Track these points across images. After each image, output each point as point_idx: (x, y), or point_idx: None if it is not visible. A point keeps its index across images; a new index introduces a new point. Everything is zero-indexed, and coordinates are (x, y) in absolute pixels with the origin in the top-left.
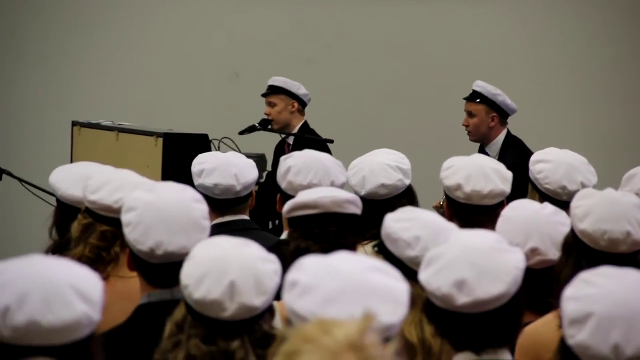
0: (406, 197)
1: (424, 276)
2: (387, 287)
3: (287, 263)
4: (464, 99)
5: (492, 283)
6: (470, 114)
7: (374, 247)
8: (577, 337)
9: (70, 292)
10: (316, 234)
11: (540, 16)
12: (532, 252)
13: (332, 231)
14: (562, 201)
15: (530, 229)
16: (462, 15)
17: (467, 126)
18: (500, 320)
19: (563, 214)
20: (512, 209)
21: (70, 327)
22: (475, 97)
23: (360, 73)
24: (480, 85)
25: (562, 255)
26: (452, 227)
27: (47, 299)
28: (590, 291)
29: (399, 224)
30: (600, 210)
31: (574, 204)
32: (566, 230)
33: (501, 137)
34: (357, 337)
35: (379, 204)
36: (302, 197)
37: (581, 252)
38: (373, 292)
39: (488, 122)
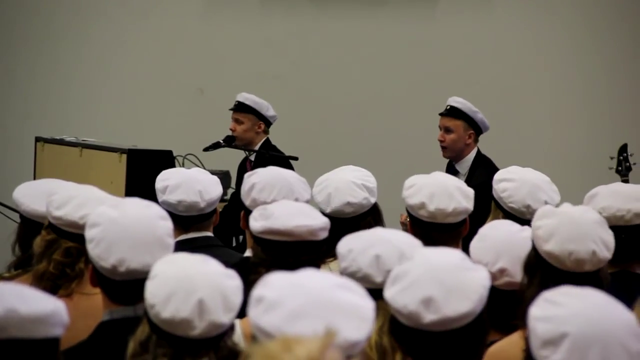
0: (371, 215)
1: (389, 293)
2: (352, 304)
3: (251, 280)
4: (441, 114)
5: (459, 301)
6: (448, 130)
7: None
8: (552, 358)
9: None
10: (289, 262)
11: (502, 32)
12: (500, 272)
13: (304, 260)
14: (526, 220)
15: (502, 249)
16: (426, 32)
17: (442, 141)
18: (465, 339)
19: None
20: (490, 228)
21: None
22: (454, 112)
23: (325, 90)
24: (459, 102)
25: (524, 275)
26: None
27: None
28: (559, 311)
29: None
30: (564, 231)
31: (535, 223)
32: None
33: (472, 154)
34: (318, 354)
35: (344, 222)
36: (277, 222)
37: (546, 272)
38: (338, 309)
39: (465, 139)
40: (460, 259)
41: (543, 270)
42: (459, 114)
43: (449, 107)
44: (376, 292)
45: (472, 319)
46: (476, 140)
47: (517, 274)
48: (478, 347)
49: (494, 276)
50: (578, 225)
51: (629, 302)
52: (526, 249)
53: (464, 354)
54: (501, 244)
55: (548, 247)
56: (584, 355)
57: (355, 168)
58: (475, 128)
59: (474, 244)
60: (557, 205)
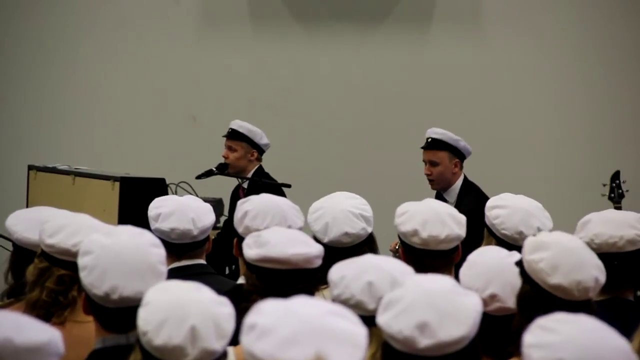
0: (367, 244)
1: (382, 319)
2: (345, 330)
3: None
4: (423, 148)
5: (454, 325)
6: (433, 163)
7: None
8: None
9: None
10: (285, 290)
11: (494, 57)
12: (491, 298)
13: (300, 288)
14: (519, 246)
15: (492, 274)
16: (419, 58)
17: (429, 174)
18: None
19: None
20: (478, 254)
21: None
22: (436, 144)
23: (318, 117)
24: (439, 132)
25: (519, 311)
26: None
27: None
28: (554, 338)
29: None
30: (566, 261)
31: (531, 257)
32: None
33: (459, 182)
34: None
35: (341, 251)
36: (274, 250)
37: (548, 307)
38: (331, 336)
39: (451, 169)
40: (452, 284)
41: (545, 305)
42: (441, 145)
43: (429, 139)
44: (369, 319)
45: (466, 344)
46: (462, 167)
47: (508, 299)
48: None
49: (485, 302)
50: (575, 254)
51: (621, 329)
52: (516, 274)
53: None
54: (490, 269)
55: (555, 280)
56: None
57: (349, 195)
58: (459, 155)
59: (464, 271)
60: (535, 233)
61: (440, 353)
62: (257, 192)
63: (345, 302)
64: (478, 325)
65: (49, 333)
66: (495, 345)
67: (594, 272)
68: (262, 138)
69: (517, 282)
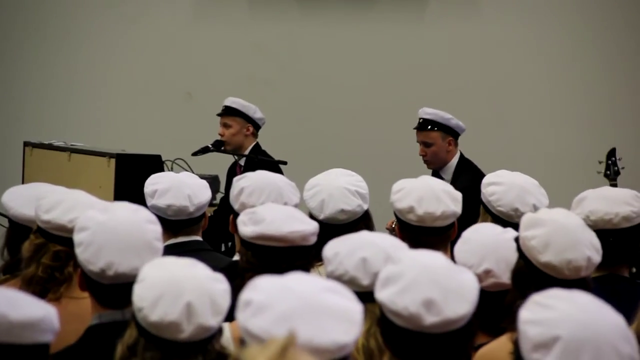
0: (363, 221)
1: (384, 295)
2: (340, 307)
3: (239, 284)
4: (415, 128)
5: (458, 302)
6: (426, 144)
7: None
8: None
9: None
10: (281, 267)
11: (491, 33)
12: (486, 274)
13: (298, 265)
14: (514, 223)
15: (486, 251)
16: (415, 35)
17: (424, 155)
18: (458, 340)
19: None
20: (472, 231)
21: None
22: (428, 125)
23: (314, 94)
24: (430, 112)
25: (513, 286)
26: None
27: None
28: (550, 314)
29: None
30: (558, 240)
31: (524, 234)
32: None
33: (455, 159)
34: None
35: (337, 228)
36: (270, 228)
37: (540, 282)
38: (327, 312)
39: (445, 147)
40: (447, 261)
41: (537, 281)
42: (433, 125)
43: (421, 120)
44: (363, 295)
45: (467, 321)
46: (456, 144)
47: (502, 275)
48: (467, 349)
49: (479, 278)
50: (569, 232)
51: (617, 305)
52: (510, 249)
53: (454, 356)
54: (485, 246)
55: (545, 258)
56: (576, 358)
57: (345, 172)
58: (452, 133)
59: (458, 247)
60: (535, 210)
61: (444, 330)
62: (254, 169)
63: (339, 278)
64: (477, 302)
65: (43, 309)
66: (489, 321)
67: (587, 251)
68: (256, 112)
69: (511, 258)
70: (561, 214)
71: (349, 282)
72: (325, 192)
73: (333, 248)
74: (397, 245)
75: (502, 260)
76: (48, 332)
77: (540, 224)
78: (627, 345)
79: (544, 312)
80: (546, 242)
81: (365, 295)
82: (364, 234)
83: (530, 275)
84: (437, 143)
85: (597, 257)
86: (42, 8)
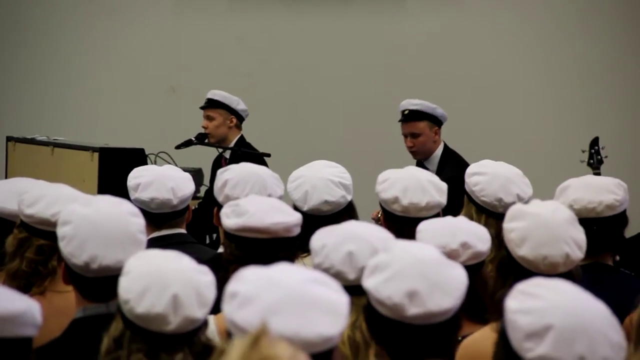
0: (347, 212)
1: (370, 283)
2: (326, 298)
3: (223, 276)
4: (401, 121)
5: (443, 296)
6: (414, 135)
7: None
8: (537, 350)
9: None
10: (265, 259)
11: (472, 26)
12: (463, 247)
13: (281, 257)
14: (498, 213)
15: (453, 228)
16: (397, 27)
17: (412, 146)
18: (441, 333)
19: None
20: (424, 223)
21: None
22: (415, 116)
23: (296, 87)
24: (416, 103)
25: (497, 275)
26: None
27: None
28: (539, 303)
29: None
30: (536, 235)
31: (507, 225)
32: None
33: (439, 150)
34: (248, 350)
35: (321, 220)
36: (253, 219)
37: (519, 274)
38: (313, 304)
39: (432, 137)
40: (439, 254)
41: (516, 273)
42: (420, 115)
43: (407, 112)
44: (349, 289)
45: (451, 315)
46: (440, 134)
47: (477, 244)
48: (451, 342)
49: (458, 253)
50: (550, 228)
51: (600, 294)
52: (471, 225)
53: (438, 348)
54: (449, 225)
55: (522, 252)
56: (570, 346)
57: (328, 163)
58: (438, 123)
59: (421, 238)
60: (528, 200)
61: (427, 322)
62: (239, 162)
63: (326, 272)
64: (464, 297)
65: (25, 303)
66: (475, 307)
67: (565, 248)
68: (238, 104)
69: (477, 230)
70: (549, 208)
71: (335, 275)
72: (309, 183)
73: (320, 240)
74: (384, 237)
75: (472, 233)
76: (30, 326)
77: (521, 217)
78: (616, 334)
79: (532, 301)
80: (524, 236)
81: (352, 289)
82: (351, 225)
83: (511, 267)
84: (424, 133)
85: (577, 254)
86: (22, 2)
